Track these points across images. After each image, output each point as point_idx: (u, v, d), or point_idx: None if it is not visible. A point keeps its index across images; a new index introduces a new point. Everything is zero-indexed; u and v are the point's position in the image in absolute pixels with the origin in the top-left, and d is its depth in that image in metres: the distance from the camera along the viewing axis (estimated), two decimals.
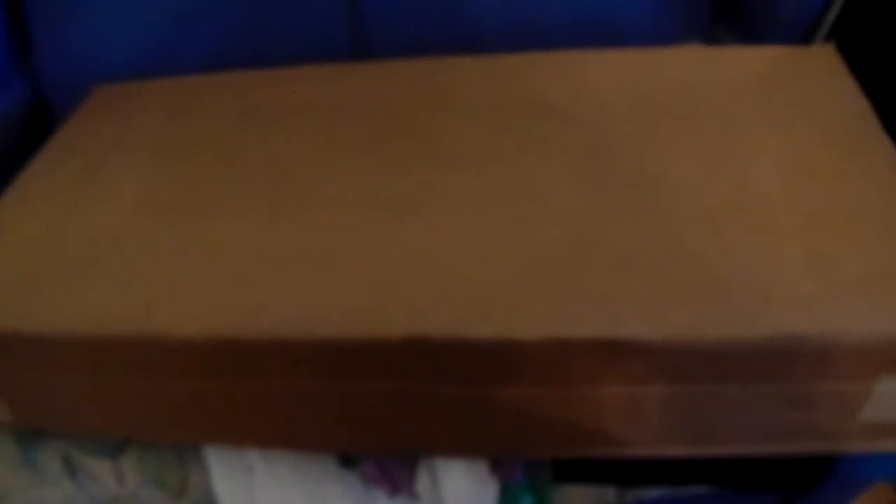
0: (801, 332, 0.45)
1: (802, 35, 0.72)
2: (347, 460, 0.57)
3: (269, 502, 0.57)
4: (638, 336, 0.46)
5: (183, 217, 0.57)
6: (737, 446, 0.51)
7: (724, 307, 0.47)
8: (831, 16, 0.71)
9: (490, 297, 0.48)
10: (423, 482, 0.56)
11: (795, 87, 0.61)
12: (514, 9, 0.73)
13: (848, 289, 0.47)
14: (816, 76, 0.62)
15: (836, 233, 0.50)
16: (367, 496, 0.57)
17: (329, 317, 0.49)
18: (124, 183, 0.61)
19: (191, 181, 0.61)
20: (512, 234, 0.52)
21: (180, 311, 0.51)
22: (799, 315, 0.46)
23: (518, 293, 0.48)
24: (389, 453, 0.56)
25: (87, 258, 0.56)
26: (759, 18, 0.74)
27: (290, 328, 0.49)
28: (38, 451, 0.60)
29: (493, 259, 0.51)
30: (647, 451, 0.51)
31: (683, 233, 0.51)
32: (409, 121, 0.62)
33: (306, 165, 0.60)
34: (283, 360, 0.50)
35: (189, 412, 0.55)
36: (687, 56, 0.67)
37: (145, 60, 0.75)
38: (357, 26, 0.74)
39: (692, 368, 0.47)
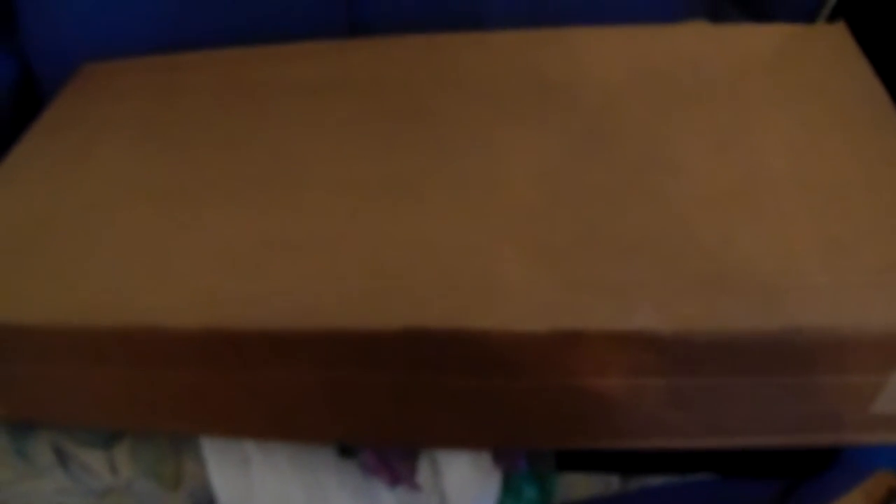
0: (815, 325, 0.44)
1: (809, 12, 0.71)
2: (346, 450, 0.56)
3: (266, 493, 0.56)
4: (648, 328, 0.45)
5: (175, 201, 0.56)
6: (747, 438, 0.50)
7: (735, 298, 0.45)
8: None
9: (493, 286, 0.47)
10: (423, 472, 0.55)
11: (805, 66, 0.60)
12: None
13: (862, 279, 0.46)
14: (827, 55, 0.60)
15: (850, 219, 0.49)
16: (366, 487, 0.56)
17: (327, 306, 0.47)
18: (114, 166, 0.60)
19: (183, 163, 0.59)
20: (516, 219, 0.51)
21: (173, 300, 0.50)
22: (813, 306, 0.45)
23: (522, 282, 0.47)
24: (389, 445, 0.55)
25: (76, 245, 0.54)
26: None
27: (287, 318, 0.48)
28: (30, 441, 0.59)
29: (496, 246, 0.49)
30: (654, 443, 0.50)
31: (693, 219, 0.49)
32: (408, 100, 0.61)
33: (301, 146, 0.58)
34: (280, 350, 0.49)
35: (184, 403, 0.54)
36: (694, 34, 0.65)
37: (135, 37, 0.73)
38: (354, 1, 0.72)
39: (703, 360, 0.46)
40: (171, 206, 0.55)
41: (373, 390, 0.50)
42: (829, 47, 0.61)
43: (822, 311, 0.45)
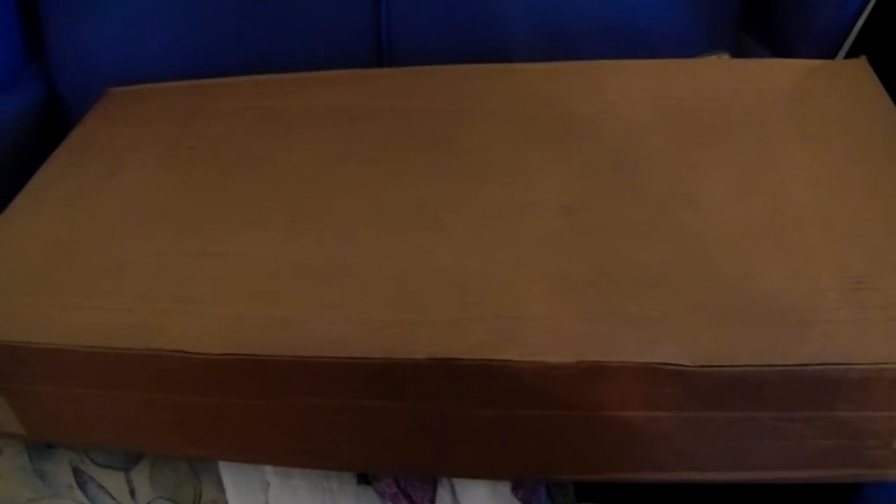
0: (837, 360, 0.44)
1: (829, 45, 0.71)
2: (365, 477, 0.56)
3: None
4: (671, 361, 0.45)
5: (200, 227, 0.56)
6: (767, 473, 0.50)
7: (758, 333, 0.46)
8: (856, 28, 0.69)
9: (517, 316, 0.47)
10: (442, 502, 0.55)
11: (828, 101, 0.60)
12: (539, 17, 0.72)
13: (884, 314, 0.46)
14: (849, 90, 0.60)
15: (872, 254, 0.49)
16: None
17: (352, 335, 0.48)
18: (140, 190, 0.60)
19: (208, 189, 0.59)
20: (540, 250, 0.51)
21: (197, 325, 0.50)
22: (835, 342, 0.45)
23: (546, 313, 0.47)
24: (409, 473, 0.55)
25: (100, 268, 0.55)
26: (789, 29, 0.73)
27: (311, 346, 0.48)
28: (49, 462, 0.59)
29: (520, 276, 0.49)
30: (674, 476, 0.50)
31: (716, 253, 0.50)
32: (433, 129, 0.61)
33: (327, 174, 0.59)
34: (303, 378, 0.49)
35: (205, 428, 0.54)
36: (717, 68, 0.65)
37: (162, 62, 0.74)
38: (381, 31, 0.73)
39: (724, 394, 0.46)
40: (195, 231, 0.56)
41: (394, 419, 0.50)
42: (852, 82, 0.61)
43: (845, 347, 0.45)
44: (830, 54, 0.71)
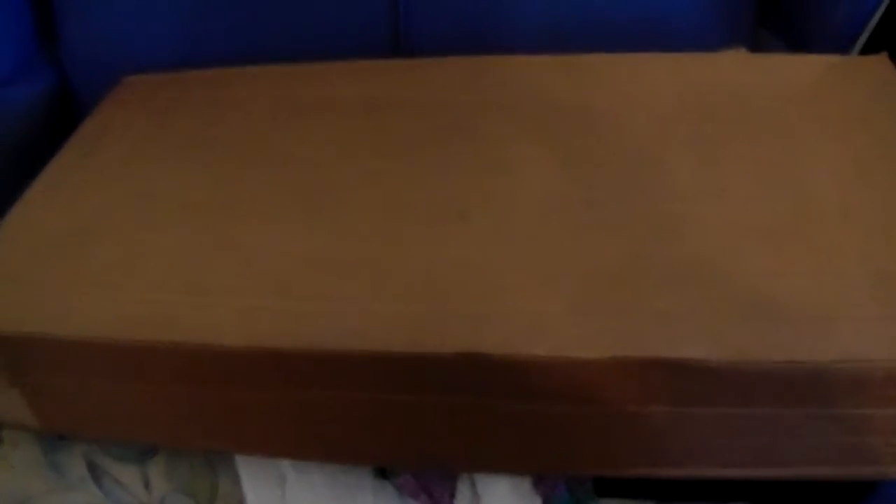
0: (864, 357, 0.44)
1: (846, 38, 0.71)
2: (383, 471, 0.56)
3: None
4: (698, 357, 0.44)
5: (218, 218, 0.56)
6: (791, 470, 0.49)
7: (785, 329, 0.45)
8: (872, 23, 0.69)
9: (544, 311, 0.47)
10: (462, 497, 0.54)
11: (850, 96, 0.60)
12: (556, 9, 0.71)
13: None
14: (870, 86, 0.60)
15: None
16: None
17: (375, 329, 0.47)
18: (155, 180, 0.60)
19: (225, 181, 0.59)
20: (565, 245, 0.50)
21: (215, 317, 0.49)
22: (862, 338, 0.45)
23: (573, 308, 0.47)
24: (431, 468, 0.55)
25: (116, 259, 0.54)
26: (807, 25, 0.73)
27: (332, 339, 0.47)
28: (63, 454, 0.59)
29: (545, 271, 0.49)
30: (697, 471, 0.50)
31: (741, 248, 0.49)
32: (452, 121, 0.61)
33: (346, 166, 0.58)
34: (324, 372, 0.48)
35: (222, 422, 0.53)
36: (736, 62, 0.65)
37: (176, 50, 0.74)
38: (397, 21, 0.73)
39: (751, 391, 0.46)
40: (212, 222, 0.55)
41: (416, 413, 0.49)
42: (873, 78, 0.61)
43: (871, 343, 0.44)
44: (846, 49, 0.70)
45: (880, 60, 0.62)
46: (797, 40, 0.74)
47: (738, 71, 0.63)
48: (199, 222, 0.56)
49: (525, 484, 0.54)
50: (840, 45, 0.70)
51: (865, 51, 0.69)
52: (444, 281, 0.49)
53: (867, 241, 0.49)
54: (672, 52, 0.65)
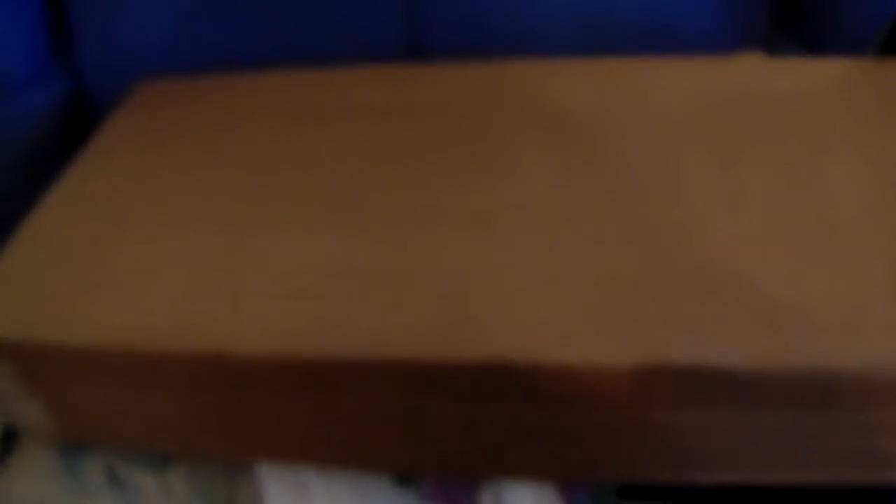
0: (891, 362, 0.44)
1: (861, 40, 0.71)
2: (405, 478, 0.56)
3: None
4: (723, 363, 0.44)
5: (240, 226, 0.55)
6: (818, 474, 0.49)
7: (810, 334, 0.45)
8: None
9: (570, 317, 0.47)
10: (486, 503, 0.54)
11: (869, 99, 0.59)
12: (573, 13, 0.71)
13: None
14: (890, 88, 0.60)
15: None
16: None
17: (400, 336, 0.47)
18: (174, 187, 0.59)
19: (244, 187, 0.58)
20: (586, 251, 0.50)
21: (240, 326, 0.49)
22: (888, 344, 0.44)
23: (599, 314, 0.47)
24: (455, 474, 0.54)
25: (138, 268, 0.54)
26: (824, 27, 0.73)
27: (357, 348, 0.47)
28: (82, 461, 0.59)
29: (568, 278, 0.49)
30: (722, 477, 0.50)
31: (764, 253, 0.49)
32: (469, 127, 0.60)
33: (366, 172, 0.58)
34: (346, 379, 0.48)
35: (244, 430, 0.53)
36: (753, 67, 0.65)
37: (190, 54, 0.73)
38: (413, 24, 0.72)
39: (777, 397, 0.46)
40: (235, 230, 0.55)
41: (439, 420, 0.49)
42: (892, 81, 0.60)
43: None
44: (864, 52, 0.70)
45: None
46: (813, 43, 0.74)
47: (755, 75, 0.63)
48: (218, 229, 0.55)
49: (549, 488, 0.54)
50: (858, 48, 0.70)
51: (884, 53, 0.68)
52: (466, 288, 0.49)
53: (889, 246, 0.49)
54: (686, 54, 0.64)
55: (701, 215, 0.52)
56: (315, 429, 0.52)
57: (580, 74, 0.64)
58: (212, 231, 0.55)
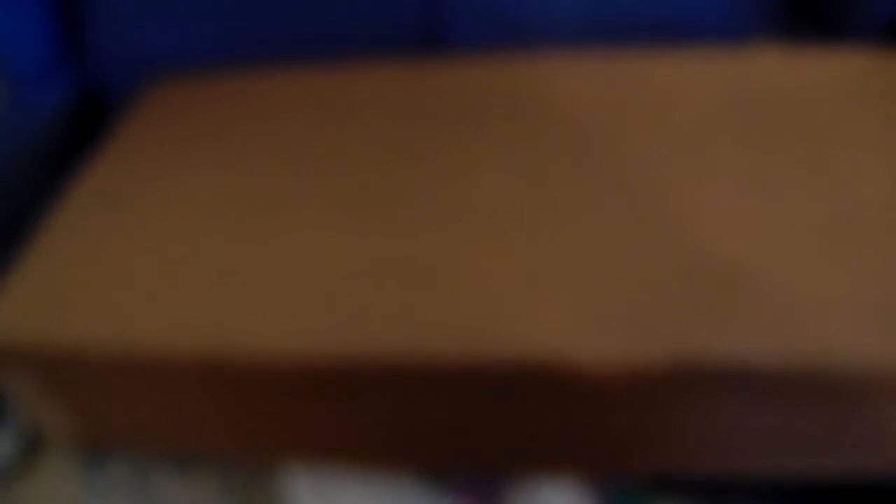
0: None
1: (879, 26, 0.70)
2: (434, 475, 0.56)
3: None
4: (758, 360, 0.44)
5: (260, 227, 0.55)
6: (847, 464, 0.50)
7: (844, 331, 0.45)
8: None
9: (603, 315, 0.47)
10: (515, 498, 0.54)
11: (890, 89, 0.59)
12: (587, 7, 0.70)
13: None
14: None
15: None
16: None
17: (429, 337, 0.47)
18: (193, 188, 0.59)
19: (266, 188, 0.58)
20: (619, 247, 0.50)
21: (264, 327, 0.49)
22: None
23: (631, 312, 0.47)
24: (486, 470, 0.54)
25: (159, 270, 0.53)
26: (838, 11, 0.72)
27: (387, 349, 0.47)
28: (106, 464, 0.59)
29: (602, 274, 0.49)
30: (754, 466, 0.50)
31: (794, 249, 0.49)
32: (491, 124, 0.60)
33: (385, 170, 0.57)
34: (379, 380, 0.48)
35: (273, 432, 0.53)
36: (774, 59, 0.64)
37: (206, 50, 0.72)
38: (430, 16, 0.71)
39: (810, 392, 0.46)
40: (256, 231, 0.55)
41: (468, 418, 0.49)
42: None
43: None
44: (879, 34, 0.70)
45: None
46: (828, 26, 0.73)
47: (776, 67, 0.62)
48: (242, 231, 0.55)
49: (578, 484, 0.54)
50: (872, 32, 0.70)
51: None
52: (498, 287, 0.49)
53: None
54: (701, 39, 0.64)
55: (726, 210, 0.52)
56: (343, 429, 0.52)
57: (601, 70, 0.63)
58: (232, 233, 0.55)
